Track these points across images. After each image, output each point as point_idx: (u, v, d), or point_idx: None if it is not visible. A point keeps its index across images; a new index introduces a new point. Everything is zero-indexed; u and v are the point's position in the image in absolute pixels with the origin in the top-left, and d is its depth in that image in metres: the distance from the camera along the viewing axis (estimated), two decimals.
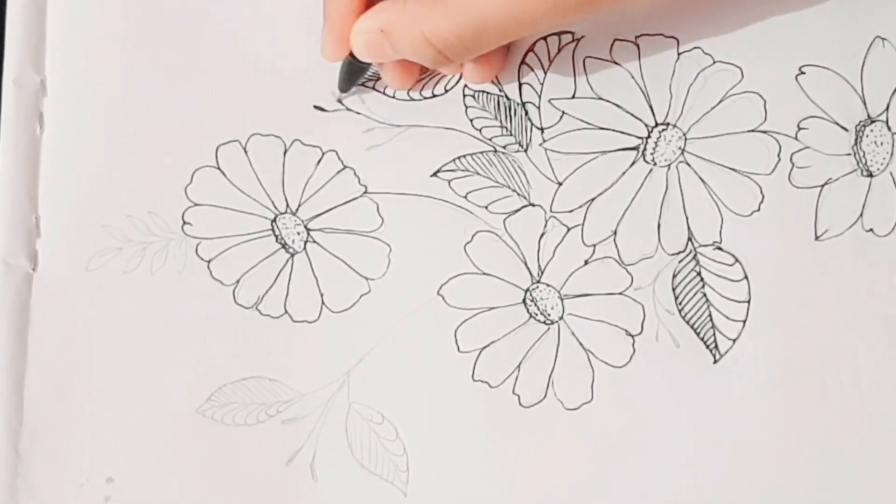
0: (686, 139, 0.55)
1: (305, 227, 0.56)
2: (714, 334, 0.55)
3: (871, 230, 0.55)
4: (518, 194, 0.56)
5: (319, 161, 0.57)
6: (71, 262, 0.56)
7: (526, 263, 0.56)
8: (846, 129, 0.56)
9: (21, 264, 0.56)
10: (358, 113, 0.57)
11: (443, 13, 0.49)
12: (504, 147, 0.56)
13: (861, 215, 0.55)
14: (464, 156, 0.56)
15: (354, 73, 0.55)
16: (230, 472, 0.56)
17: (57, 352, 0.56)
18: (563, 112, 0.56)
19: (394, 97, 0.57)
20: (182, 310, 0.56)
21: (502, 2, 0.48)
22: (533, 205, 0.56)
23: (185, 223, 0.56)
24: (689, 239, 0.55)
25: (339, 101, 0.57)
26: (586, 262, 0.56)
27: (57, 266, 0.56)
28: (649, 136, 0.55)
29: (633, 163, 0.56)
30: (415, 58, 0.51)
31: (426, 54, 0.50)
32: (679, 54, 0.56)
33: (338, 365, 0.56)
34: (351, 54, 0.53)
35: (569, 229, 0.56)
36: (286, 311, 0.56)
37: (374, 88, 0.57)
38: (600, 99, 0.56)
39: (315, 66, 0.56)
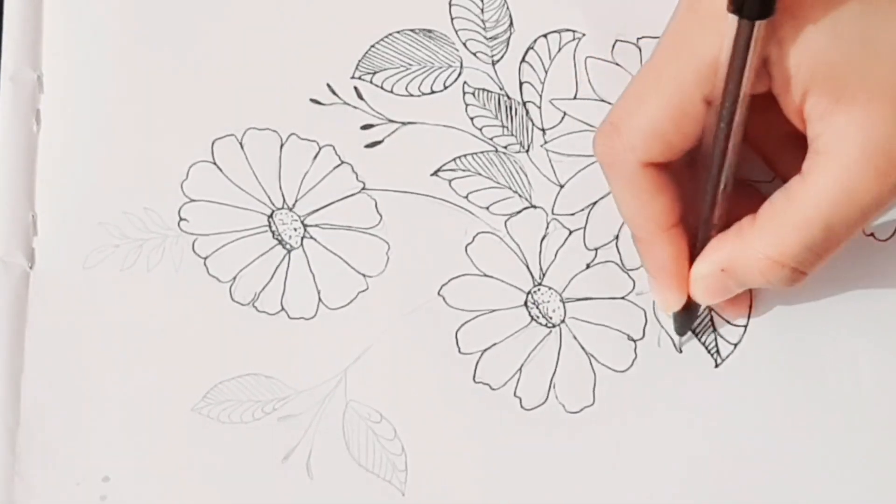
0: None
1: (302, 222, 0.56)
2: (715, 339, 0.55)
3: (872, 234, 0.56)
4: (519, 196, 0.56)
5: (316, 156, 0.56)
6: (68, 259, 0.56)
7: (527, 266, 0.56)
8: None
9: (18, 262, 0.56)
10: (355, 108, 0.56)
11: (785, 229, 0.47)
12: (505, 147, 0.56)
13: None
14: (464, 155, 0.56)
15: (691, 315, 0.54)
16: (226, 470, 0.55)
17: (54, 350, 0.55)
18: (565, 113, 0.56)
19: (392, 92, 0.56)
20: (178, 307, 0.56)
21: (840, 196, 0.45)
22: (534, 207, 0.56)
23: (181, 219, 0.56)
24: None
25: (680, 349, 0.56)
26: (588, 266, 0.56)
27: (54, 264, 0.56)
28: None
29: None
30: (765, 284, 0.49)
31: (780, 276, 0.48)
32: None
33: (335, 362, 0.56)
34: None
35: (570, 232, 0.56)
36: (283, 308, 0.56)
37: (371, 82, 0.56)
38: (602, 101, 0.56)
39: (312, 59, 0.56)
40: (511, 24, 0.57)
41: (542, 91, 0.56)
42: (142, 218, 0.56)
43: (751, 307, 0.55)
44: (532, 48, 0.56)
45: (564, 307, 0.56)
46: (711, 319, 0.55)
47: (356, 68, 0.57)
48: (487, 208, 0.56)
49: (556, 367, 0.55)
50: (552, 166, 0.56)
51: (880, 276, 0.55)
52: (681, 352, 0.55)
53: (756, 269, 0.48)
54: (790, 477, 0.55)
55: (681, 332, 0.55)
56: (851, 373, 0.55)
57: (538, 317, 0.56)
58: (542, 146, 0.56)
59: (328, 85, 0.57)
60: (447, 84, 0.56)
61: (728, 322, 0.55)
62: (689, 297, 0.52)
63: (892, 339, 0.55)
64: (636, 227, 0.51)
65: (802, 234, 0.46)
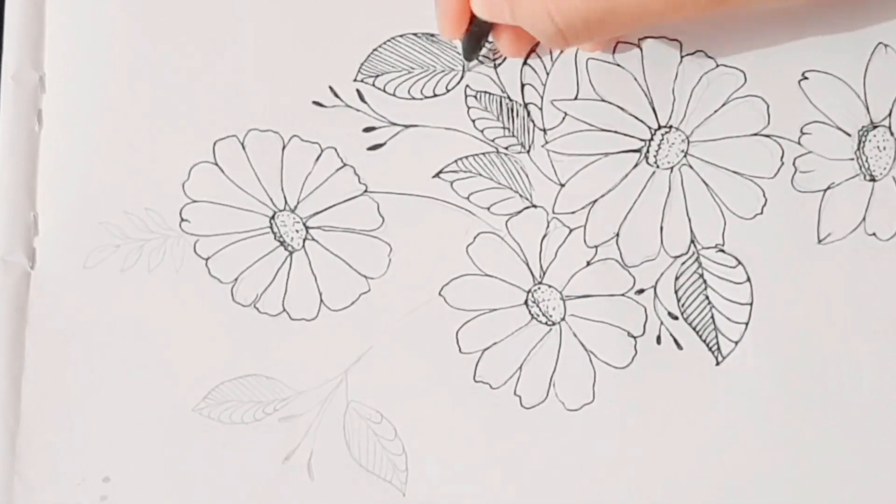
0: (689, 142, 0.55)
1: (304, 224, 0.56)
2: (716, 336, 0.55)
3: (874, 234, 0.56)
4: (520, 196, 0.56)
5: (318, 158, 0.56)
6: (69, 259, 0.56)
7: (528, 265, 0.56)
8: (849, 134, 0.56)
9: (19, 262, 0.56)
10: (357, 110, 0.56)
11: None
12: (506, 148, 0.56)
13: (864, 219, 0.55)
14: (466, 157, 0.56)
15: (476, 40, 0.54)
16: (227, 470, 0.55)
17: (54, 350, 0.56)
18: (566, 113, 0.56)
19: (394, 95, 0.56)
20: (179, 307, 0.56)
21: None
22: (535, 206, 0.56)
23: (182, 220, 0.56)
24: (692, 241, 0.55)
25: (467, 70, 0.56)
26: (588, 264, 0.56)
27: (55, 263, 0.56)
28: (652, 139, 0.55)
29: (636, 165, 0.56)
30: (531, 30, 0.49)
31: (545, 30, 0.49)
32: (682, 57, 0.56)
33: (336, 363, 0.56)
34: (470, 24, 0.53)
35: (571, 231, 0.56)
36: (284, 309, 0.56)
37: (374, 85, 0.56)
38: (603, 101, 0.56)
39: (314, 61, 0.56)
40: None
41: (543, 93, 0.56)
42: (143, 218, 0.56)
43: (527, 56, 0.56)
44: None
45: (564, 305, 0.56)
46: (713, 318, 0.55)
47: (359, 71, 0.57)
48: (488, 209, 0.56)
49: (556, 364, 0.55)
50: (553, 166, 0.56)
51: (881, 276, 0.56)
52: (468, 71, 0.56)
53: (531, 11, 0.49)
54: (790, 475, 0.55)
55: (468, 58, 0.56)
56: (852, 371, 0.55)
57: (538, 315, 0.56)
58: (542, 146, 0.56)
59: (331, 87, 0.57)
60: (449, 87, 0.57)
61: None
62: (470, 24, 0.52)
63: (892, 338, 0.55)
64: None
65: (586, 5, 0.47)
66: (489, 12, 0.51)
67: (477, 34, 0.54)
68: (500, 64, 0.56)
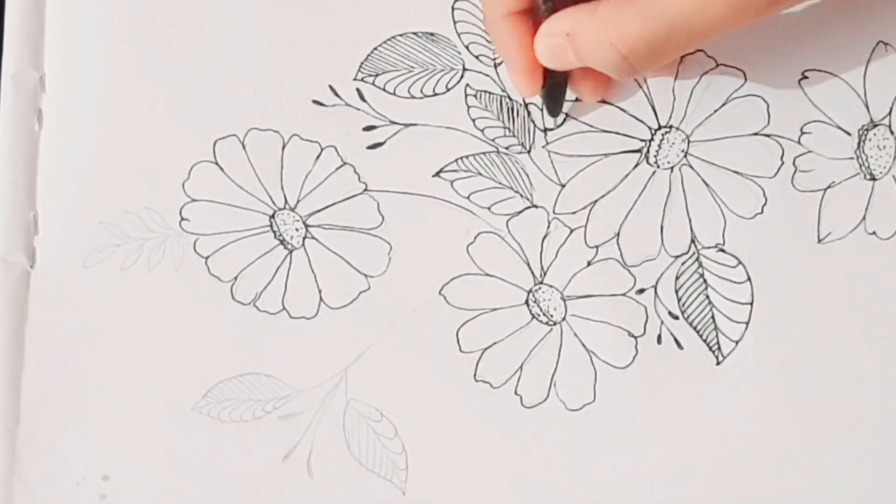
0: (689, 142, 0.55)
1: (304, 223, 0.56)
2: (717, 336, 0.55)
3: (874, 233, 0.56)
4: (521, 196, 0.56)
5: (318, 156, 0.56)
6: (68, 258, 0.56)
7: (528, 264, 0.56)
8: (849, 134, 0.56)
9: (19, 261, 0.56)
10: (357, 109, 0.56)
11: (633, 17, 0.46)
12: (507, 148, 0.56)
13: (864, 218, 0.55)
14: (466, 156, 0.56)
15: (555, 93, 0.54)
16: (226, 469, 0.55)
17: (54, 349, 0.56)
18: (566, 114, 0.56)
19: (394, 94, 0.56)
20: (179, 306, 0.56)
21: (695, 3, 0.46)
22: (536, 206, 0.56)
23: (182, 219, 0.56)
24: (692, 241, 0.56)
25: (550, 130, 0.56)
26: (589, 264, 0.56)
27: (55, 263, 0.56)
28: (652, 139, 0.55)
29: (637, 165, 0.56)
30: (598, 65, 0.49)
31: (610, 60, 0.48)
32: (682, 56, 0.55)
33: (336, 361, 0.56)
34: (544, 80, 0.53)
35: (572, 231, 0.56)
36: (284, 308, 0.56)
37: (374, 84, 0.56)
38: (604, 101, 0.56)
39: (314, 60, 0.56)
40: None
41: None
42: (143, 217, 0.56)
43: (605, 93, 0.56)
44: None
45: (565, 305, 0.56)
46: (713, 317, 0.56)
47: (359, 70, 0.57)
48: (489, 208, 0.56)
49: (557, 364, 0.55)
50: (553, 166, 0.56)
51: (882, 274, 0.56)
52: (551, 129, 0.56)
53: (594, 45, 0.48)
54: (791, 475, 0.55)
55: (552, 114, 0.56)
56: (853, 370, 0.55)
57: (539, 315, 0.56)
58: (543, 147, 0.56)
59: (331, 86, 0.57)
60: (449, 86, 0.57)
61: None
62: (545, 78, 0.53)
63: (893, 337, 0.55)
64: (483, 8, 0.54)
65: (646, 28, 0.46)
66: (553, 58, 0.51)
67: (554, 86, 0.54)
68: (500, 63, 0.56)
